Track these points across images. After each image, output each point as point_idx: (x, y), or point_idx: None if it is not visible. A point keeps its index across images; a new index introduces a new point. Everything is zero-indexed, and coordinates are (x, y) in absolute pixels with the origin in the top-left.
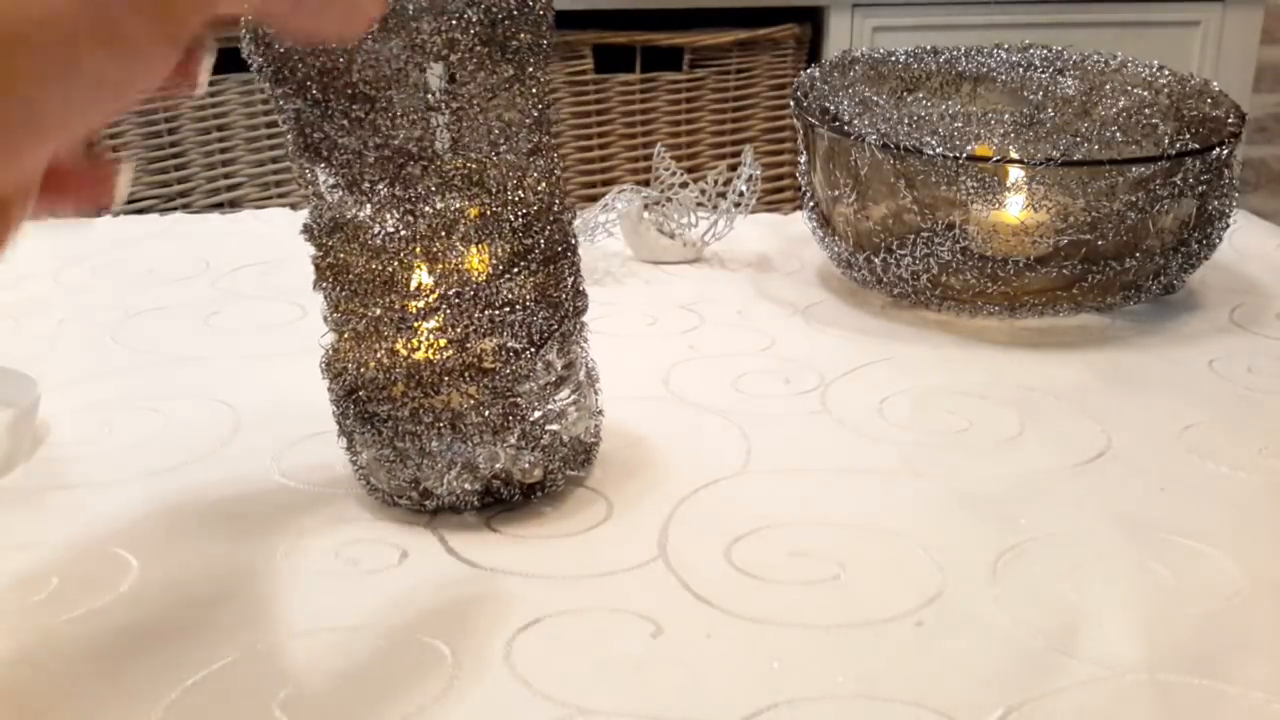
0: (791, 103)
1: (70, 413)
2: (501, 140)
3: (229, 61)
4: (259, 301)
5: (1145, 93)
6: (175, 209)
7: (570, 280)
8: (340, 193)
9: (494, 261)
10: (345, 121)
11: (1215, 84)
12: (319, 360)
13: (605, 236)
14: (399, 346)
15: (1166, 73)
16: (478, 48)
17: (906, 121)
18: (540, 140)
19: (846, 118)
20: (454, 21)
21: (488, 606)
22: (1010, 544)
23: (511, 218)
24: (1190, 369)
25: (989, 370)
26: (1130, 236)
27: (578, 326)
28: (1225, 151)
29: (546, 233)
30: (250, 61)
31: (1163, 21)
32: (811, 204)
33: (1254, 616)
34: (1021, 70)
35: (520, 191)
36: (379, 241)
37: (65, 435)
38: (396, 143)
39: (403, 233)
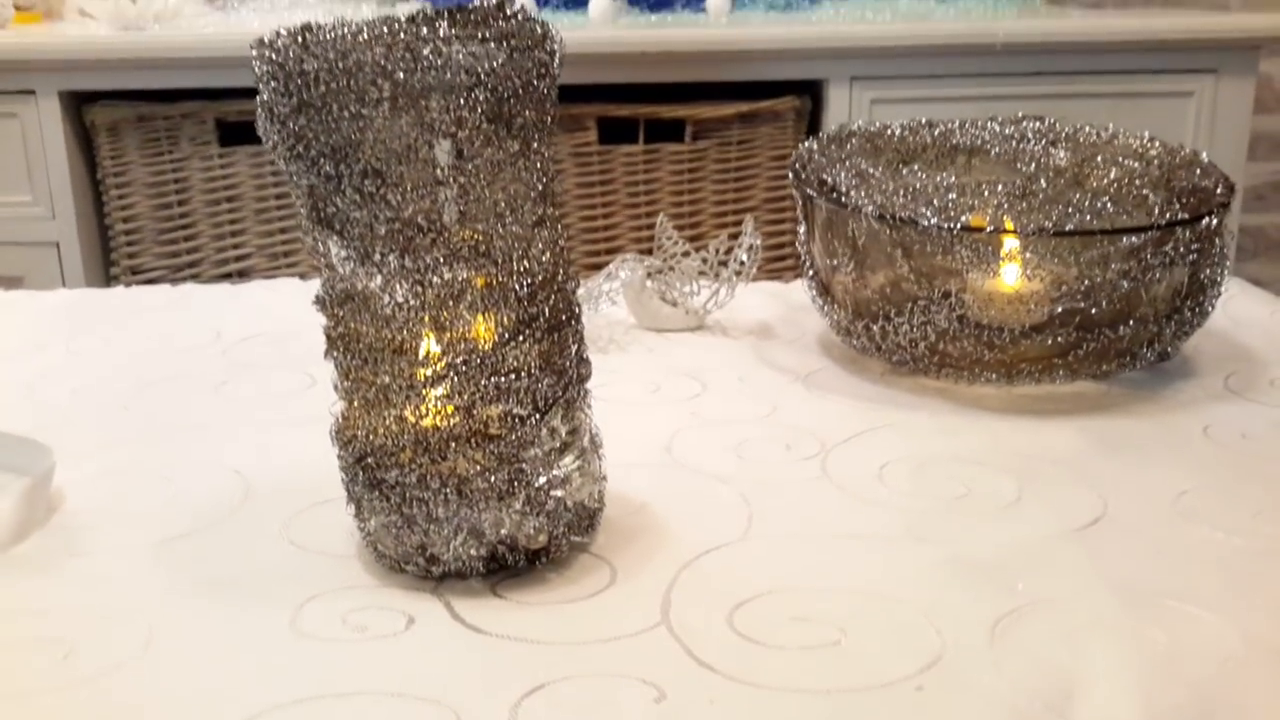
0: (790, 175)
1: (84, 481)
2: (507, 212)
3: (238, 134)
4: (269, 370)
5: (1136, 164)
6: (185, 279)
7: (574, 348)
8: (352, 264)
9: (500, 330)
10: (357, 196)
11: (1204, 155)
12: (329, 428)
13: (609, 304)
14: (407, 413)
15: (1157, 144)
16: (484, 125)
17: (902, 193)
18: (545, 212)
19: (844, 189)
20: (462, 100)
21: (493, 672)
22: (1008, 609)
23: (517, 287)
24: (1185, 435)
25: (987, 437)
26: (1124, 305)
27: (582, 393)
28: (1215, 221)
29: (551, 301)
30: (265, 138)
31: (1156, 92)
32: (811, 273)
33: (1249, 681)
34: (1015, 142)
35: (525, 262)
36: (389, 311)
37: (79, 503)
38: (406, 216)
39: (412, 302)
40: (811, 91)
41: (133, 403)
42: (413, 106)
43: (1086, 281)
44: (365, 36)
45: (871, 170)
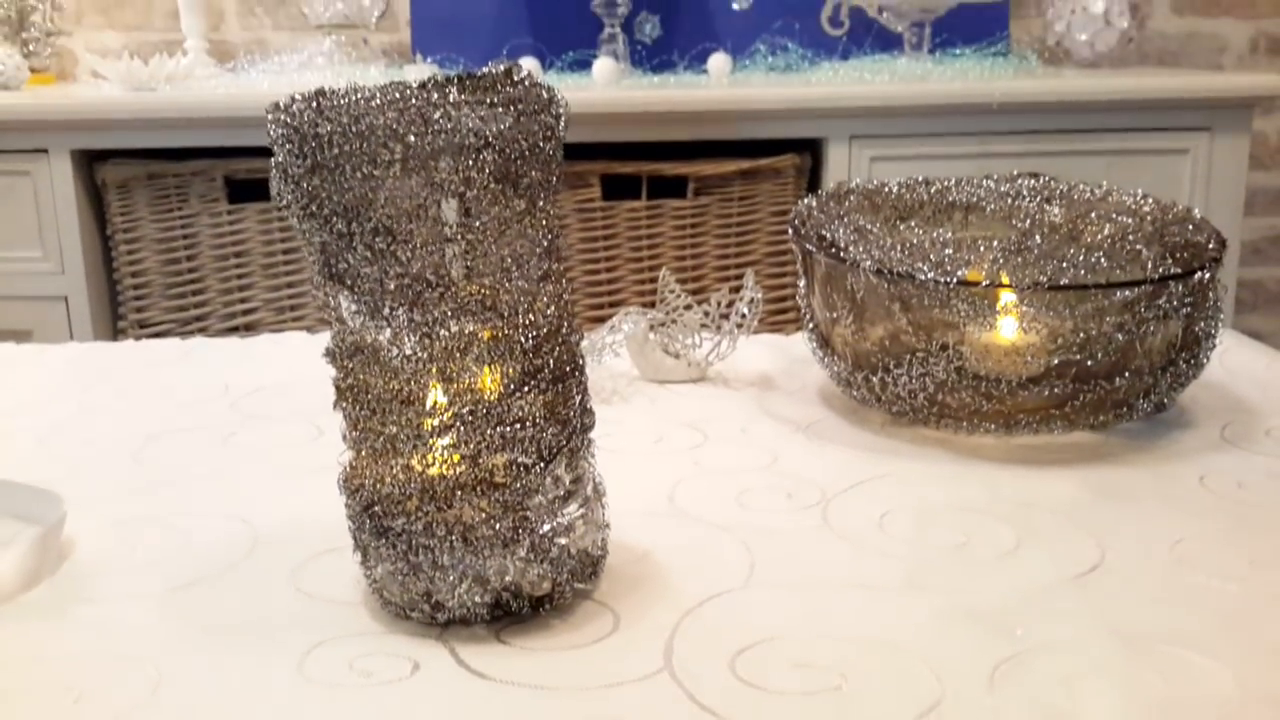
0: (790, 230)
1: (94, 529)
2: (514, 268)
3: (247, 192)
4: (276, 422)
5: (1129, 220)
6: (193, 333)
7: (578, 398)
8: (362, 318)
9: (505, 381)
10: (368, 253)
11: (1197, 210)
12: (336, 477)
13: (613, 357)
14: (414, 462)
15: (1150, 201)
16: (491, 185)
17: (900, 248)
18: (550, 267)
19: (843, 244)
20: (470, 162)
21: (497, 717)
22: (1007, 655)
23: (522, 340)
24: (1182, 484)
25: (986, 486)
26: (1119, 357)
27: (585, 443)
28: (1207, 275)
29: (556, 353)
30: (279, 197)
31: (1152, 150)
32: (811, 325)
33: None
34: (1010, 199)
35: (531, 315)
36: (397, 363)
37: (89, 551)
38: (415, 271)
39: (420, 354)
40: (811, 149)
41: (142, 453)
42: (423, 167)
43: (1082, 334)
44: (378, 101)
45: (870, 226)
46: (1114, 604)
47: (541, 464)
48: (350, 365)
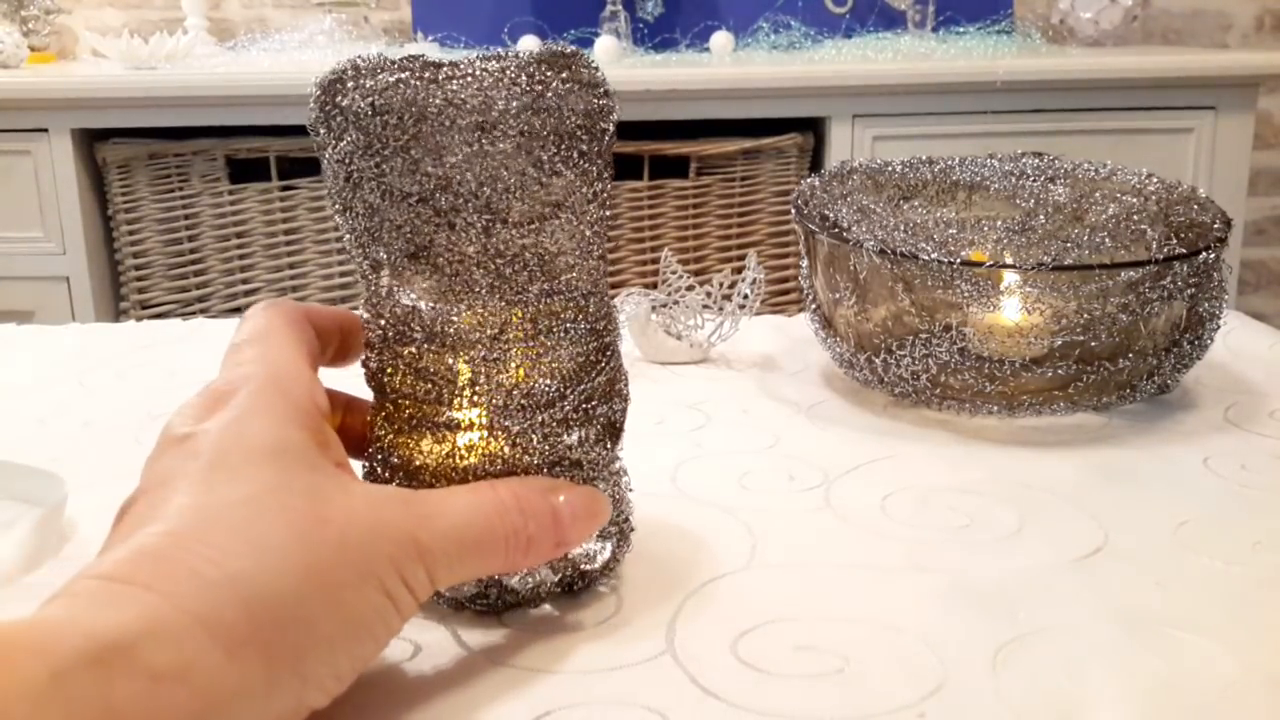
0: (793, 210)
1: (96, 511)
2: (592, 247)
3: (248, 171)
4: None
5: (1134, 200)
6: (194, 314)
7: (625, 376)
8: (443, 300)
9: (582, 358)
10: (469, 230)
11: (1202, 190)
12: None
13: None
14: (492, 446)
15: (1155, 180)
16: (583, 164)
17: (903, 228)
18: (606, 247)
19: (845, 224)
20: (569, 140)
21: (499, 700)
22: (1010, 637)
23: (594, 318)
24: (1185, 466)
25: (989, 468)
26: (1123, 338)
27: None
28: (1212, 255)
29: (613, 331)
30: (348, 175)
31: (1156, 129)
32: (814, 306)
33: (1248, 708)
34: (1014, 179)
35: (599, 294)
36: (479, 343)
37: (91, 532)
38: (513, 251)
39: (505, 334)
40: (814, 128)
41: (144, 434)
42: (530, 146)
43: (1086, 315)
44: (482, 74)
45: (873, 206)
46: (1117, 586)
47: (610, 440)
48: (423, 347)
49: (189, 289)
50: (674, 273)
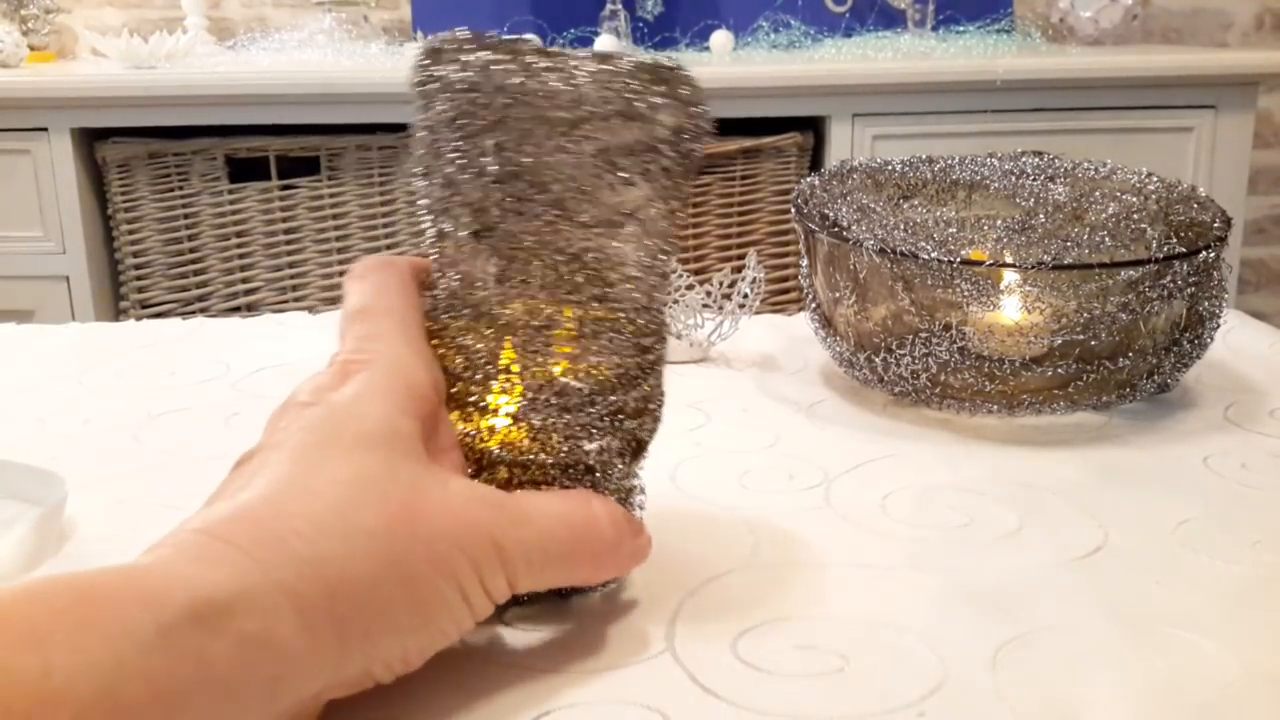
0: (793, 209)
1: (96, 510)
2: (655, 264)
3: (248, 171)
4: (278, 402)
5: (1134, 199)
6: (194, 313)
7: (661, 398)
8: (499, 285)
9: (620, 370)
10: (537, 221)
11: (1202, 189)
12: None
13: None
14: (505, 435)
15: (1155, 179)
16: (663, 180)
17: (903, 227)
18: (670, 266)
19: (845, 224)
20: (653, 153)
21: (499, 699)
22: (1010, 636)
23: (643, 334)
24: (1185, 465)
25: (989, 467)
26: (1123, 337)
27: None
28: (1212, 254)
29: (659, 351)
30: (436, 144)
31: (1156, 128)
32: (813, 305)
33: (1248, 706)
34: (1014, 178)
35: (652, 311)
36: (524, 333)
37: (91, 532)
38: (574, 249)
39: (551, 329)
40: (814, 128)
41: (144, 434)
42: (615, 151)
43: (1086, 314)
44: (581, 70)
45: (873, 205)
46: (1117, 585)
47: (632, 456)
48: (471, 325)
49: (189, 288)
50: (674, 271)
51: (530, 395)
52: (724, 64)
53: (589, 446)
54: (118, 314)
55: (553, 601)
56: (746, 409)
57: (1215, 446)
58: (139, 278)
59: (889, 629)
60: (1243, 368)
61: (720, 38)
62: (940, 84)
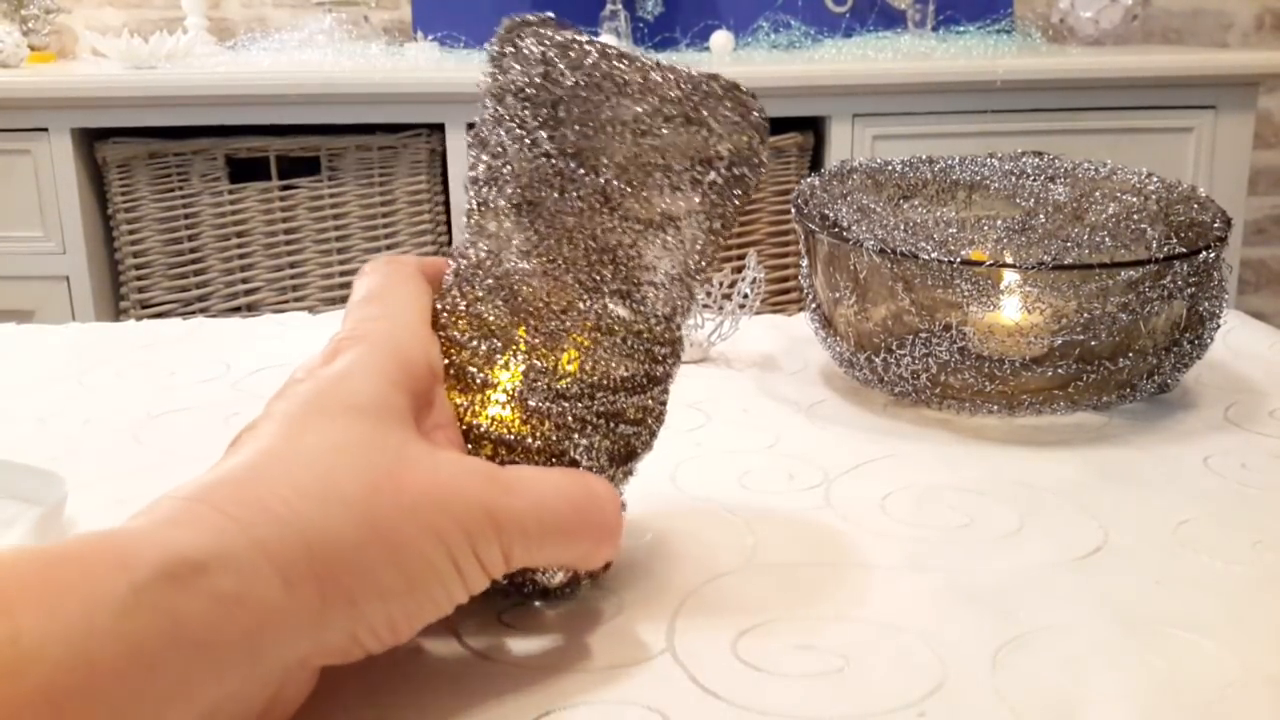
0: (793, 209)
1: (96, 510)
2: (685, 276)
3: (248, 171)
4: None
5: (1134, 199)
6: (194, 313)
7: (662, 416)
8: (527, 260)
9: (624, 375)
10: (578, 203)
11: (1202, 190)
12: None
13: None
14: (503, 418)
15: (1155, 180)
16: (711, 196)
17: (904, 227)
18: (699, 282)
19: (845, 224)
20: (704, 167)
21: (500, 699)
22: (1010, 636)
23: (658, 345)
24: (1185, 465)
25: (989, 467)
26: (1123, 337)
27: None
28: (1212, 255)
29: (670, 364)
30: (497, 110)
31: (1156, 128)
32: (814, 306)
33: (1249, 706)
34: (1014, 178)
35: (673, 323)
36: (540, 315)
37: None
38: (609, 242)
39: (565, 320)
40: (814, 128)
41: (144, 434)
42: (668, 152)
43: (1086, 314)
44: (653, 68)
45: (873, 205)
46: (1117, 585)
47: (620, 465)
48: (489, 296)
49: (189, 288)
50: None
51: (531, 376)
52: (724, 64)
53: (579, 441)
54: (118, 314)
55: (540, 604)
56: (746, 409)
57: (1215, 446)
58: (139, 278)
59: (889, 629)
60: (1243, 368)
61: (720, 38)
62: (940, 84)
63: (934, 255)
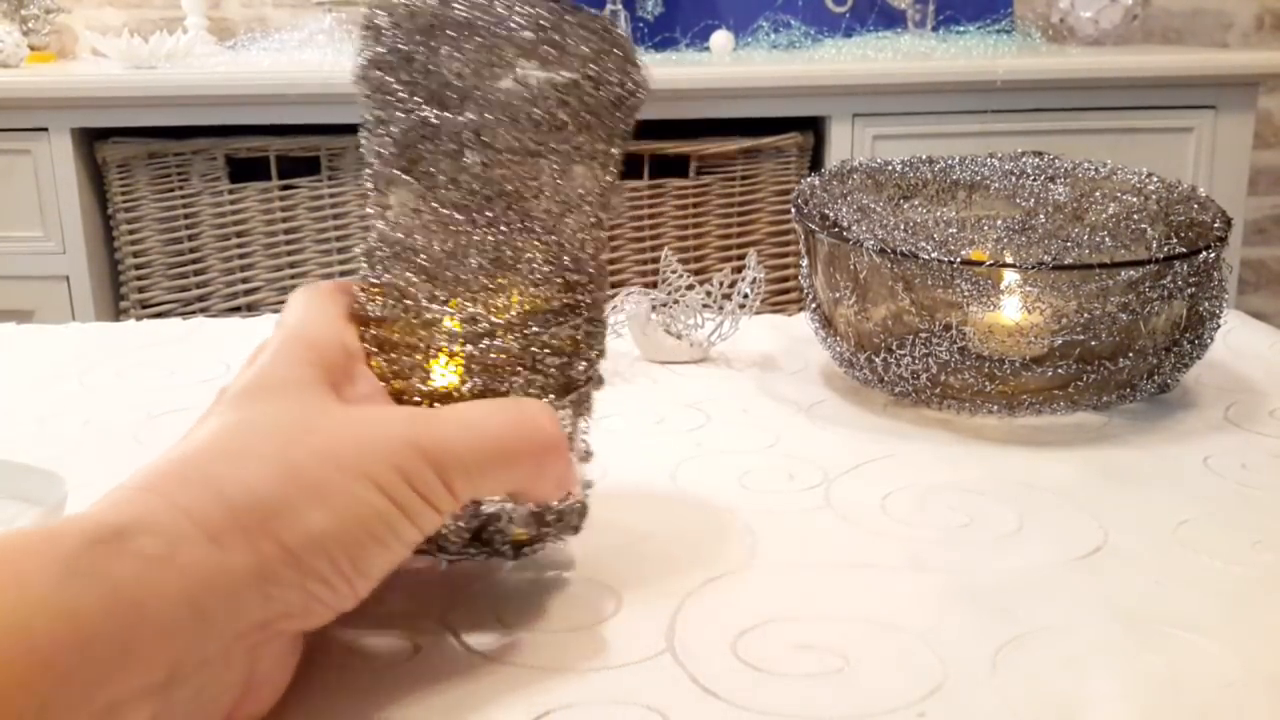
0: (793, 209)
1: None
2: (578, 203)
3: (248, 170)
4: None
5: (1134, 199)
6: (194, 313)
7: (595, 352)
8: (418, 218)
9: (545, 307)
10: (452, 146)
11: (1202, 190)
12: None
13: (614, 337)
14: (434, 374)
15: (1155, 179)
16: (585, 116)
17: (904, 227)
18: (600, 217)
19: (845, 224)
20: (574, 90)
21: (499, 699)
22: (1010, 636)
23: (568, 272)
24: (1185, 465)
25: (988, 467)
26: (1123, 337)
27: (589, 398)
28: (1212, 255)
29: (592, 297)
30: (371, 76)
31: (1156, 128)
32: (814, 305)
33: (1248, 706)
34: (1014, 178)
35: (580, 252)
36: (444, 269)
37: None
38: (494, 176)
39: (469, 263)
40: (814, 128)
41: (144, 433)
42: (527, 77)
43: (1086, 314)
44: (499, 4)
45: (873, 205)
46: (1117, 585)
47: (553, 397)
48: (388, 268)
49: (189, 288)
50: (674, 272)
51: (449, 326)
52: (724, 64)
53: (513, 380)
54: (118, 314)
55: (512, 563)
56: (746, 409)
57: (1215, 446)
58: (139, 278)
59: (889, 629)
60: (1243, 368)
61: (720, 38)
62: (940, 84)
63: (934, 255)
